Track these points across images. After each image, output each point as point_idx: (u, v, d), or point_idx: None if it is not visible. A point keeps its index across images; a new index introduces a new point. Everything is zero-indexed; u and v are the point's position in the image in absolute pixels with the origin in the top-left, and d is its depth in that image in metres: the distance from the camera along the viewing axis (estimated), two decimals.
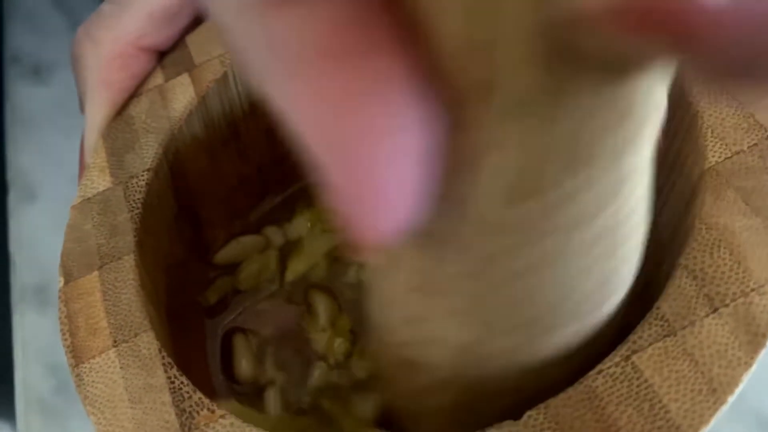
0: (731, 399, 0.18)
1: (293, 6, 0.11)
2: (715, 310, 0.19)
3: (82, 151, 0.28)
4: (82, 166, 0.28)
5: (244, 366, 0.28)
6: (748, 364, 0.18)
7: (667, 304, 0.19)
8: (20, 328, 0.44)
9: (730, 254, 0.20)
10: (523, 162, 0.14)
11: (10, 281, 0.46)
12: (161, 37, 0.28)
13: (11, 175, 0.49)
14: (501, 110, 0.13)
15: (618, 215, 0.16)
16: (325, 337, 0.28)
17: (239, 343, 0.29)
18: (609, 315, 0.19)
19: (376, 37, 0.11)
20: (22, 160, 0.50)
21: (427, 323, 0.19)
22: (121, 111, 0.27)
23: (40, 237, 0.46)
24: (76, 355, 0.22)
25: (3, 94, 0.53)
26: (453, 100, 0.13)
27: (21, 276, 0.45)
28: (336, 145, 0.12)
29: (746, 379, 0.18)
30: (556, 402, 0.19)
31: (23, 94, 0.52)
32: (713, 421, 0.18)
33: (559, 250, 0.16)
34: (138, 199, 0.25)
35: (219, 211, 0.30)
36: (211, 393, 0.26)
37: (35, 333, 0.43)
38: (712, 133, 0.22)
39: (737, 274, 0.19)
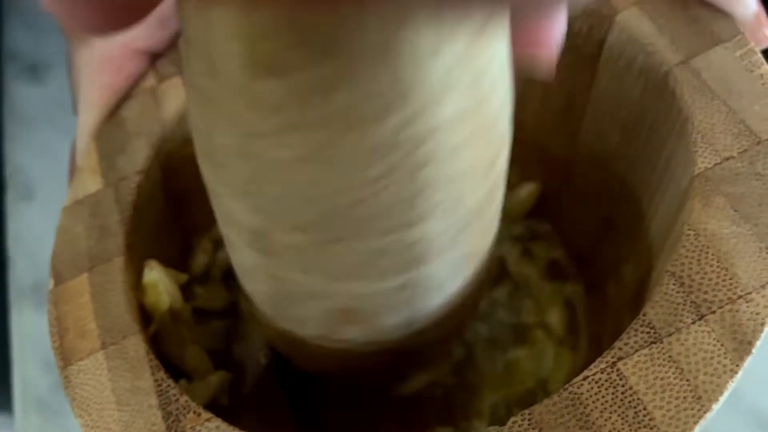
0: (716, 407, 0.18)
1: None
2: (702, 317, 0.19)
3: (73, 153, 0.28)
4: (73, 168, 0.28)
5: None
6: (733, 372, 0.18)
7: (653, 311, 0.19)
8: (18, 327, 0.44)
9: (718, 261, 0.19)
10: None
11: (7, 279, 0.46)
12: (154, 39, 0.28)
13: (9, 173, 0.49)
14: None
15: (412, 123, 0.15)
16: None
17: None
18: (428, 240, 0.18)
19: None
20: (19, 158, 0.50)
21: (222, 198, 0.19)
22: (113, 113, 0.27)
23: (38, 235, 0.46)
24: (65, 356, 0.22)
25: (0, 93, 0.53)
26: None
27: (19, 274, 0.45)
28: None
29: (732, 386, 0.18)
30: (540, 408, 0.18)
31: (20, 93, 0.52)
32: (697, 429, 0.18)
33: (333, 143, 0.15)
34: (128, 201, 0.25)
35: (210, 214, 0.30)
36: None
37: (33, 331, 0.43)
38: (702, 138, 0.21)
39: (724, 281, 0.19)
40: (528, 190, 0.31)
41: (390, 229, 0.17)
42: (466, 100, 0.16)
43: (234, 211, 0.18)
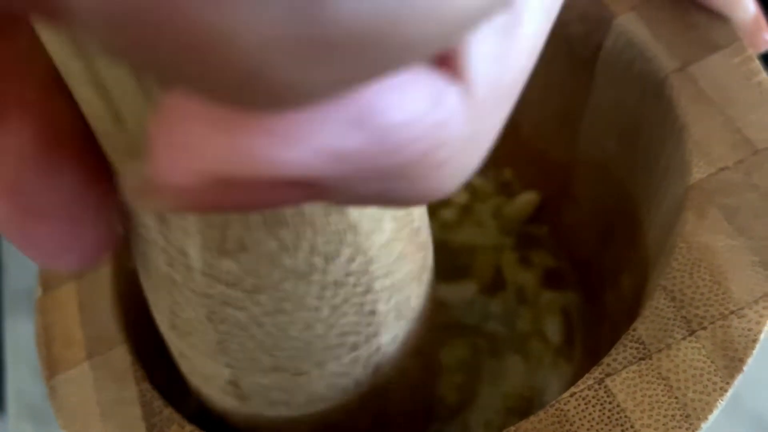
0: (705, 425, 0.17)
1: None
2: (693, 332, 0.18)
3: None
4: None
5: None
6: (723, 390, 0.18)
7: (643, 326, 0.19)
8: (12, 333, 0.44)
9: (711, 275, 0.19)
10: (213, 221, 0.14)
11: (2, 287, 0.46)
12: None
13: None
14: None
15: (350, 266, 0.16)
16: None
17: None
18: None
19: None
20: None
21: (191, 361, 0.19)
22: None
23: None
24: (51, 366, 0.22)
25: None
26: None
27: (13, 281, 0.46)
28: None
29: (722, 405, 0.18)
30: (526, 425, 0.18)
31: None
32: None
33: (297, 295, 0.16)
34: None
35: None
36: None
37: (27, 338, 0.43)
38: (697, 147, 0.21)
39: (716, 295, 0.19)
40: (527, 199, 0.31)
41: (348, 350, 0.18)
42: (395, 222, 0.17)
43: (205, 367, 0.19)
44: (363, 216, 0.15)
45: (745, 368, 0.18)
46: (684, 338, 0.18)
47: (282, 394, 0.19)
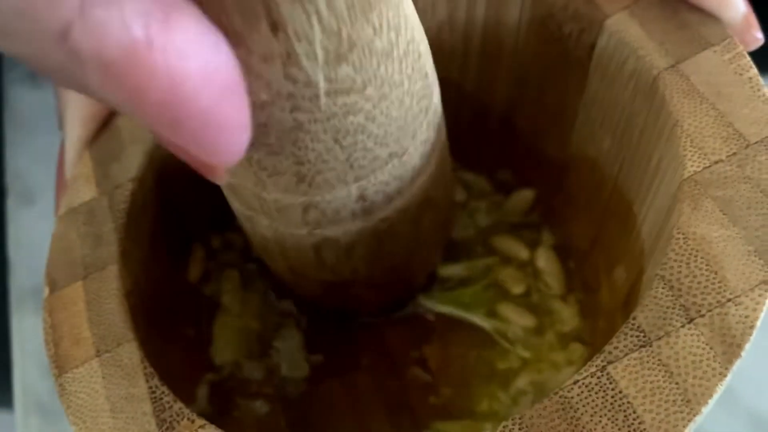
0: (705, 410, 0.18)
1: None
2: (691, 320, 0.19)
3: (60, 168, 0.28)
4: (60, 183, 0.28)
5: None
6: (722, 375, 0.18)
7: (643, 315, 0.19)
8: (18, 330, 0.44)
9: (707, 264, 0.20)
10: (332, 26, 0.17)
11: (8, 284, 0.46)
12: None
13: (9, 178, 0.50)
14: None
15: (407, 35, 0.20)
16: None
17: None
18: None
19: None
20: (20, 163, 0.50)
21: (322, 204, 0.22)
22: (107, 121, 0.28)
23: (38, 240, 0.46)
24: (60, 365, 0.22)
25: (1, 98, 0.53)
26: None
27: (19, 278, 0.46)
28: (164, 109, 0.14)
29: (721, 389, 0.18)
30: (531, 413, 0.19)
31: (21, 98, 0.52)
32: None
33: (384, 84, 0.19)
34: (123, 209, 0.25)
35: (205, 222, 0.30)
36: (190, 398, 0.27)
37: (33, 335, 0.43)
38: (691, 142, 0.22)
39: (713, 284, 0.19)
40: (523, 196, 0.31)
41: (425, 113, 0.22)
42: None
43: (334, 201, 0.23)
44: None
45: (743, 354, 0.18)
46: (683, 326, 0.19)
47: (398, 184, 0.23)
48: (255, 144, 0.19)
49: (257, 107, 0.18)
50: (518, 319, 0.29)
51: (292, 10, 0.16)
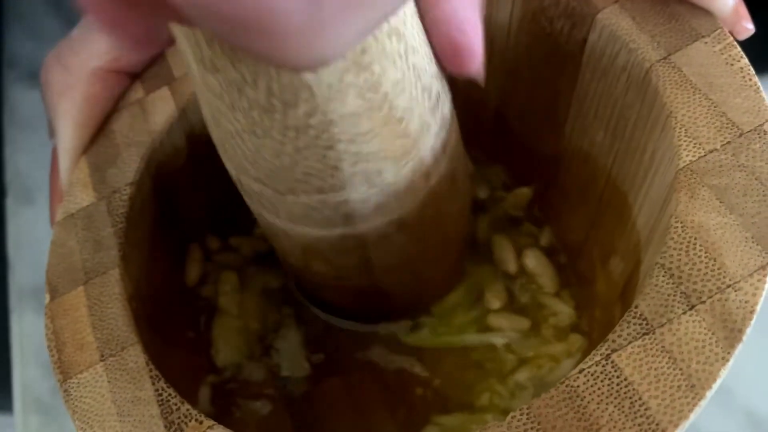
0: (709, 394, 0.18)
1: None
2: (692, 307, 0.19)
3: (53, 175, 0.28)
4: (54, 192, 0.27)
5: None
6: (725, 360, 0.18)
7: (645, 303, 0.20)
8: (18, 329, 0.44)
9: (706, 252, 0.20)
10: None
11: (8, 283, 0.46)
12: (129, 61, 0.28)
13: (9, 177, 0.49)
14: None
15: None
16: None
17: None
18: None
19: None
20: (20, 163, 0.50)
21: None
22: (102, 126, 0.28)
23: (38, 239, 0.46)
24: (64, 370, 0.22)
25: (1, 98, 0.53)
26: None
27: (19, 277, 0.46)
28: None
29: (724, 374, 0.18)
30: (538, 402, 0.19)
31: (21, 98, 0.52)
32: (692, 416, 0.18)
33: (264, 125, 0.19)
34: (121, 213, 0.25)
35: (202, 224, 0.30)
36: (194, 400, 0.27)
37: (33, 334, 0.43)
38: (685, 132, 0.22)
39: (713, 271, 0.20)
40: (521, 192, 0.32)
41: (315, 191, 0.22)
42: (363, 101, 0.20)
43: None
44: (320, 82, 0.18)
45: (744, 338, 0.19)
46: (684, 312, 0.19)
47: (270, 204, 0.23)
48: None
49: None
50: (512, 325, 0.30)
51: None
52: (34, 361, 0.42)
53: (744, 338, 0.19)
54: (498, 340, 0.29)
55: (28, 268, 0.46)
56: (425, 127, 0.22)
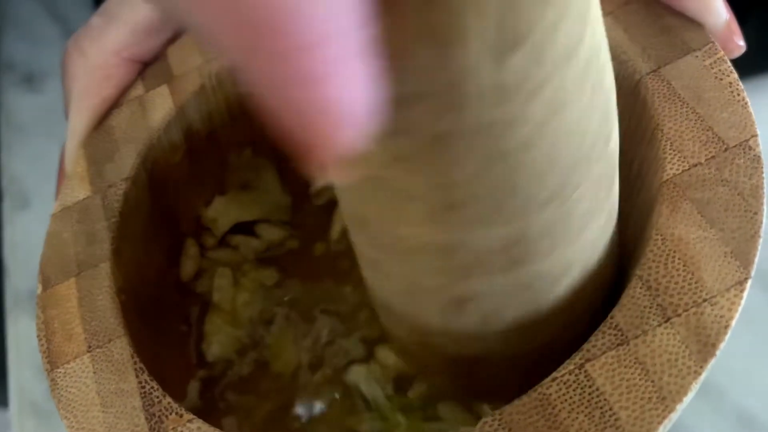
0: (680, 407, 0.18)
1: None
2: (668, 319, 0.19)
3: (63, 158, 0.29)
4: (61, 175, 0.28)
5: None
6: (697, 373, 0.19)
7: (621, 314, 0.20)
8: (14, 332, 0.44)
9: (684, 265, 0.20)
10: (499, 14, 0.14)
11: (3, 286, 0.46)
12: (144, 48, 0.29)
13: (5, 182, 0.50)
14: None
15: (595, 36, 0.16)
16: None
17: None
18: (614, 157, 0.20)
19: None
20: (15, 167, 0.50)
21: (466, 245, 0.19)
22: (102, 121, 0.28)
23: (34, 243, 0.46)
24: (52, 360, 0.23)
25: None
26: None
27: (14, 282, 0.46)
28: (273, 67, 0.11)
29: (696, 387, 0.19)
30: (510, 409, 0.19)
31: (16, 102, 0.53)
32: (662, 429, 0.18)
33: (561, 92, 0.16)
34: (115, 207, 0.26)
35: (196, 221, 0.31)
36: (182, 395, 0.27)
37: (28, 337, 0.44)
38: (671, 145, 0.22)
39: (690, 284, 0.20)
40: None
41: (601, 149, 0.19)
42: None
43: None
44: None
45: (717, 353, 0.19)
46: (659, 325, 0.19)
47: (558, 234, 0.19)
48: (389, 152, 0.16)
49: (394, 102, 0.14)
50: None
51: None
52: (30, 364, 0.43)
53: (717, 353, 0.19)
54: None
55: (24, 272, 0.46)
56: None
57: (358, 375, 0.28)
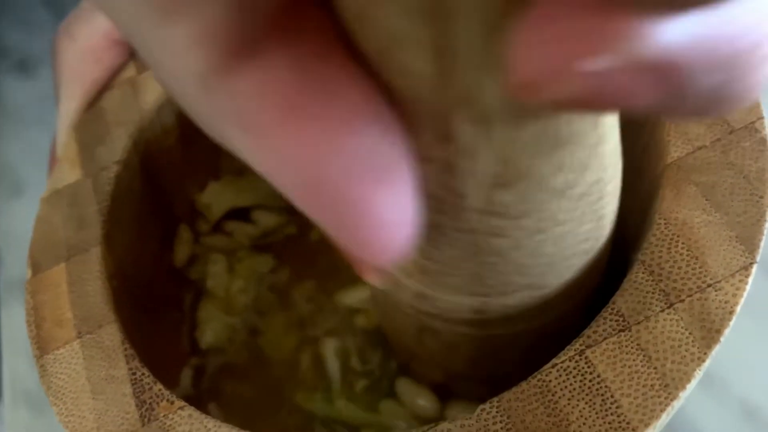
0: (684, 394, 0.18)
1: (251, 68, 0.11)
2: (671, 305, 0.19)
3: (54, 145, 0.28)
4: (53, 159, 0.28)
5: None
6: (701, 360, 0.18)
7: (622, 299, 0.19)
8: (7, 321, 0.44)
9: (688, 250, 0.20)
10: (505, 154, 0.15)
11: None
12: None
13: None
14: (478, 119, 0.14)
15: (595, 173, 0.17)
16: None
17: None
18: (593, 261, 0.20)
19: (336, 77, 0.12)
20: (8, 154, 0.50)
21: (436, 300, 0.20)
22: (93, 103, 0.28)
23: (27, 231, 0.46)
24: (41, 346, 0.22)
25: None
26: (432, 115, 0.14)
27: (8, 270, 0.46)
28: (324, 193, 0.12)
29: (699, 374, 0.18)
30: (509, 396, 0.19)
31: (10, 89, 0.52)
32: (665, 416, 0.18)
33: (551, 212, 0.17)
34: (107, 191, 0.25)
35: (189, 205, 0.30)
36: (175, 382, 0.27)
37: (22, 326, 0.43)
38: (675, 128, 0.21)
39: (694, 269, 0.19)
40: None
41: (585, 254, 0.20)
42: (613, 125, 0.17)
43: (447, 304, 0.21)
44: (605, 125, 0.16)
45: (722, 339, 0.18)
46: (662, 310, 0.19)
47: (523, 311, 0.21)
48: None
49: None
50: None
51: (471, 132, 0.14)
52: (24, 353, 0.42)
53: (722, 339, 0.18)
54: None
55: (17, 260, 0.46)
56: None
57: (328, 348, 0.28)
